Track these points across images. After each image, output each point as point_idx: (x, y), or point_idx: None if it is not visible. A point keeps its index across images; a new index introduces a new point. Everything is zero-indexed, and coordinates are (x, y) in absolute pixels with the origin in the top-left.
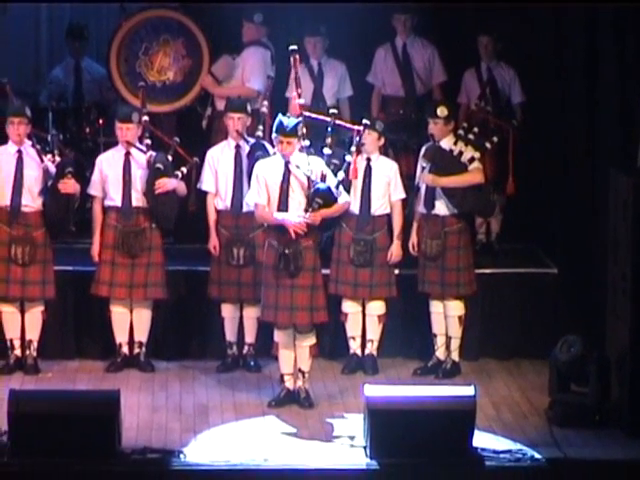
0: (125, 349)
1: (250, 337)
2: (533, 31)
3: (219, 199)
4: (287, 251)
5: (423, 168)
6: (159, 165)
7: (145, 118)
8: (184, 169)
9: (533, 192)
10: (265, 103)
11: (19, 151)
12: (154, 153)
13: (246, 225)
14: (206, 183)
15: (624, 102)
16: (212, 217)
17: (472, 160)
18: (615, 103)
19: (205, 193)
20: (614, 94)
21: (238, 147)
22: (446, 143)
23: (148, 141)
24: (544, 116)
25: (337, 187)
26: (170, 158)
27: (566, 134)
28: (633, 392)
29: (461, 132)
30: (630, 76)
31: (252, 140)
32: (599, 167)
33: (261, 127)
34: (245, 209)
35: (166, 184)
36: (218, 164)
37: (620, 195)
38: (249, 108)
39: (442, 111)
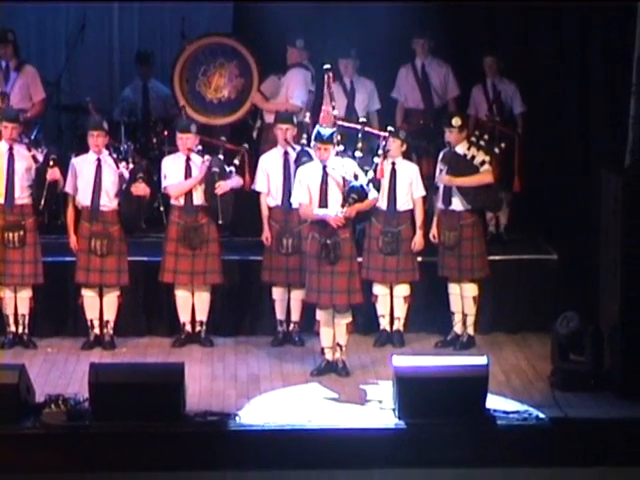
0: (188, 327)
1: (296, 316)
2: (532, 50)
3: (271, 198)
4: (328, 242)
5: (441, 170)
6: (215, 169)
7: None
8: (236, 161)
9: (536, 190)
10: (307, 114)
11: (98, 159)
12: (209, 157)
13: (294, 219)
14: (259, 184)
15: (613, 112)
16: (265, 213)
17: (483, 163)
18: (605, 112)
19: (259, 193)
20: (605, 105)
21: (286, 153)
22: (460, 148)
23: (199, 147)
24: (544, 124)
25: (367, 185)
26: (222, 157)
27: (564, 139)
28: (623, 360)
29: (473, 139)
30: (618, 89)
31: (298, 147)
32: (593, 167)
33: (305, 136)
34: (293, 206)
35: (223, 187)
36: (269, 168)
37: (610, 191)
38: (295, 120)
39: (457, 121)
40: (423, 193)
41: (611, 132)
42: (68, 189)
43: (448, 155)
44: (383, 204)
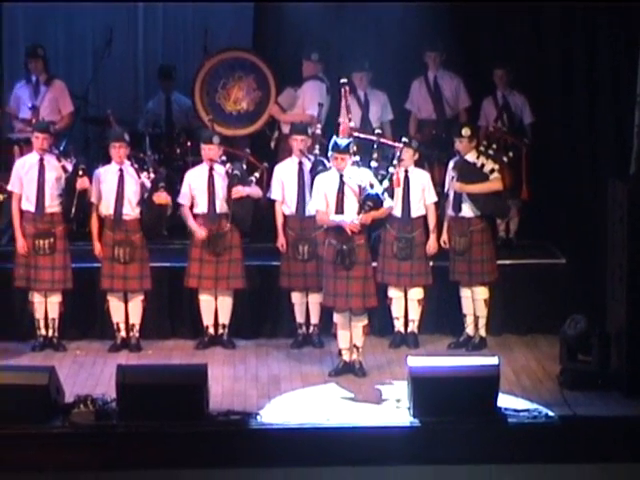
0: (211, 330)
1: (315, 319)
2: (542, 63)
3: (286, 206)
4: (344, 248)
5: (452, 178)
6: (237, 172)
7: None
8: (257, 174)
9: (546, 197)
10: (319, 126)
11: (120, 169)
12: (231, 165)
13: (309, 226)
14: (274, 193)
15: (620, 123)
16: (279, 221)
17: (492, 171)
18: (612, 122)
19: (274, 201)
20: (611, 116)
21: (301, 163)
22: (470, 157)
23: (223, 157)
24: (553, 134)
25: (382, 194)
26: (244, 167)
27: (572, 148)
28: (629, 360)
29: (482, 148)
30: (625, 100)
31: (313, 157)
32: (599, 176)
33: (317, 146)
34: (307, 214)
35: (240, 191)
36: (284, 177)
37: (617, 198)
38: (309, 131)
39: (466, 131)
40: (435, 199)
41: (617, 141)
42: (92, 199)
43: (459, 163)
44: (397, 211)
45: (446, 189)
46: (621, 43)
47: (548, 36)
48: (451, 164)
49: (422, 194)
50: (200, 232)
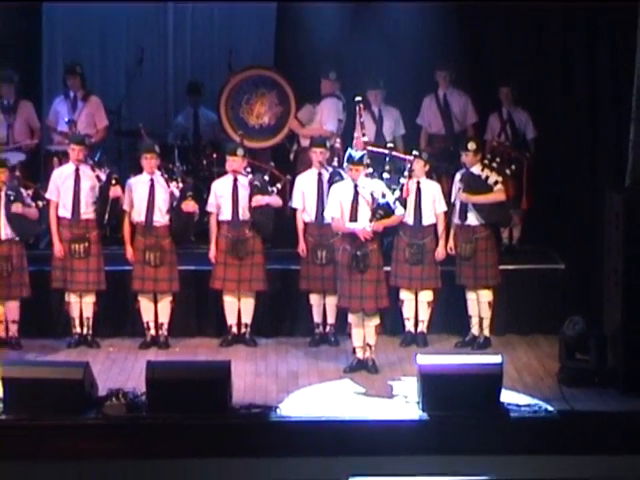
0: (234, 329)
1: (331, 319)
2: (544, 81)
3: (306, 214)
4: (358, 253)
5: (459, 189)
6: (257, 182)
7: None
8: (279, 185)
9: (547, 206)
10: (338, 140)
11: (151, 179)
12: (252, 176)
13: (327, 233)
14: (295, 201)
15: (617, 137)
16: (300, 227)
17: (496, 183)
18: (609, 137)
19: (295, 209)
20: (609, 130)
21: (320, 174)
22: (475, 169)
23: (249, 169)
24: (554, 148)
25: (394, 203)
26: (267, 178)
27: (572, 161)
28: (625, 359)
29: (487, 161)
30: (622, 116)
31: (331, 169)
32: (597, 187)
33: (336, 159)
34: (326, 221)
35: (259, 200)
36: (305, 187)
37: (613, 208)
38: (329, 144)
39: (472, 145)
40: (445, 208)
41: (614, 154)
42: (125, 206)
43: (465, 175)
44: (409, 219)
45: (453, 199)
46: (621, 60)
47: (550, 55)
48: (458, 176)
49: (433, 204)
50: (213, 251)
